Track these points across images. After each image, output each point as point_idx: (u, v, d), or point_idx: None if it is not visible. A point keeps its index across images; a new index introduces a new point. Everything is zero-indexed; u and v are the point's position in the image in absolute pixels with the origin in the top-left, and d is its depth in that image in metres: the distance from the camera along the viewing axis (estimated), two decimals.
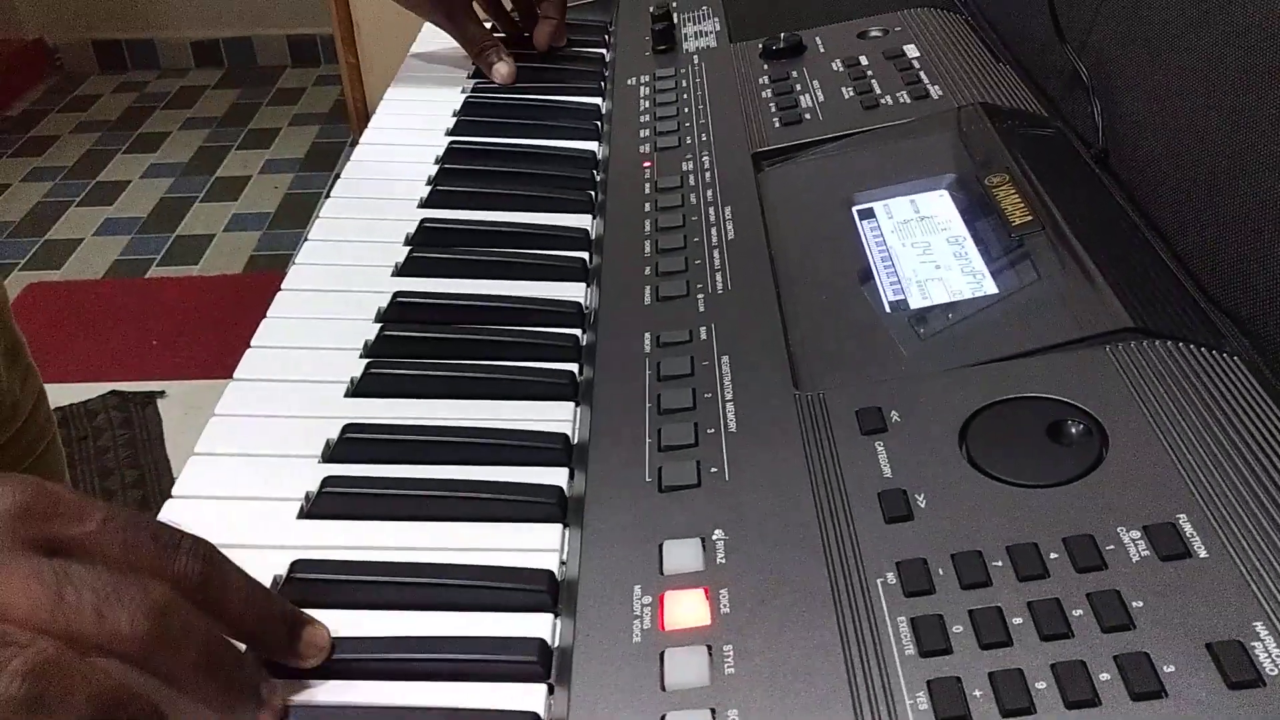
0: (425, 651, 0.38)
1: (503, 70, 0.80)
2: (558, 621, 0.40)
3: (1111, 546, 0.37)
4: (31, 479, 0.33)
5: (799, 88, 0.72)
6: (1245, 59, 0.51)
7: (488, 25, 0.86)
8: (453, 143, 0.73)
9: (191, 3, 3.03)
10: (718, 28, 0.84)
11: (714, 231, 0.59)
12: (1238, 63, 0.52)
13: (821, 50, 0.76)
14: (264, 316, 0.57)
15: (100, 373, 1.89)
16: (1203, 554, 0.36)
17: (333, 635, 0.38)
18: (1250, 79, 0.51)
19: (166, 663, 0.31)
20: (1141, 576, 0.36)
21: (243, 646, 0.36)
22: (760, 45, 0.77)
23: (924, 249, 0.54)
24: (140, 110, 2.88)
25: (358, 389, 0.51)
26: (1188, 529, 0.37)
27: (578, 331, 0.55)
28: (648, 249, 0.59)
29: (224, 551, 0.37)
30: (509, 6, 0.87)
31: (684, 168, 0.66)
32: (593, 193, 0.68)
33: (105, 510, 0.33)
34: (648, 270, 0.57)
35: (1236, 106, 0.51)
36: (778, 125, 0.68)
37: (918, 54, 0.73)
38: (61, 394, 1.78)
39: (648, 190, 0.65)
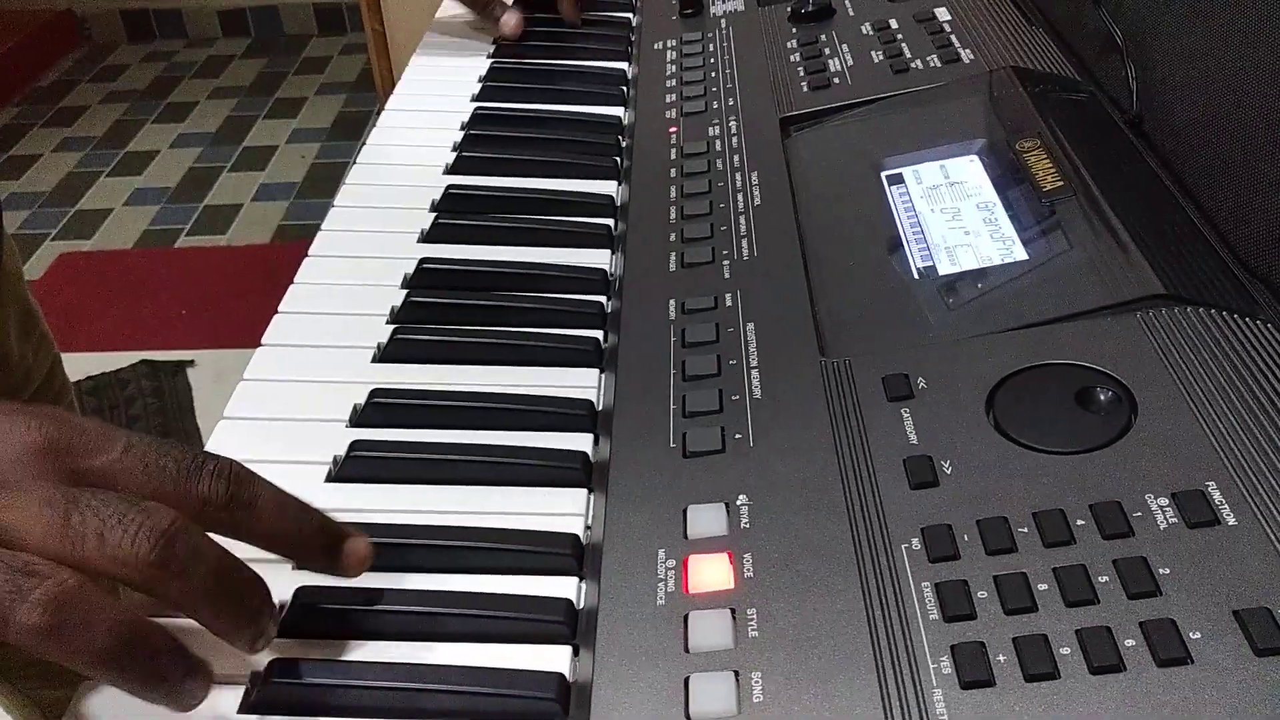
0: (452, 608, 0.38)
1: (510, 21, 0.79)
2: (583, 585, 0.40)
3: (1139, 513, 0.36)
4: (56, 410, 0.33)
5: (827, 51, 0.71)
6: None
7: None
8: (478, 109, 0.73)
9: None
10: None
11: (740, 197, 0.59)
12: (1276, 23, 0.51)
13: (851, 13, 0.75)
14: (291, 284, 0.57)
15: (131, 342, 1.92)
16: (1231, 521, 0.36)
17: (361, 594, 0.39)
18: None
19: (172, 586, 0.31)
20: (1169, 543, 0.35)
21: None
22: (789, 9, 0.76)
23: (953, 215, 0.54)
24: (168, 80, 2.89)
25: (385, 354, 0.51)
26: (1216, 496, 0.36)
27: (603, 298, 0.55)
28: (673, 215, 0.59)
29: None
30: None
31: (710, 133, 0.65)
32: (618, 159, 0.67)
33: (127, 438, 0.33)
34: (673, 236, 0.57)
35: (1274, 69, 0.50)
36: (806, 90, 0.68)
37: (949, 17, 0.71)
38: (92, 363, 1.80)
39: (673, 156, 0.64)
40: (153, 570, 0.31)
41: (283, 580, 0.39)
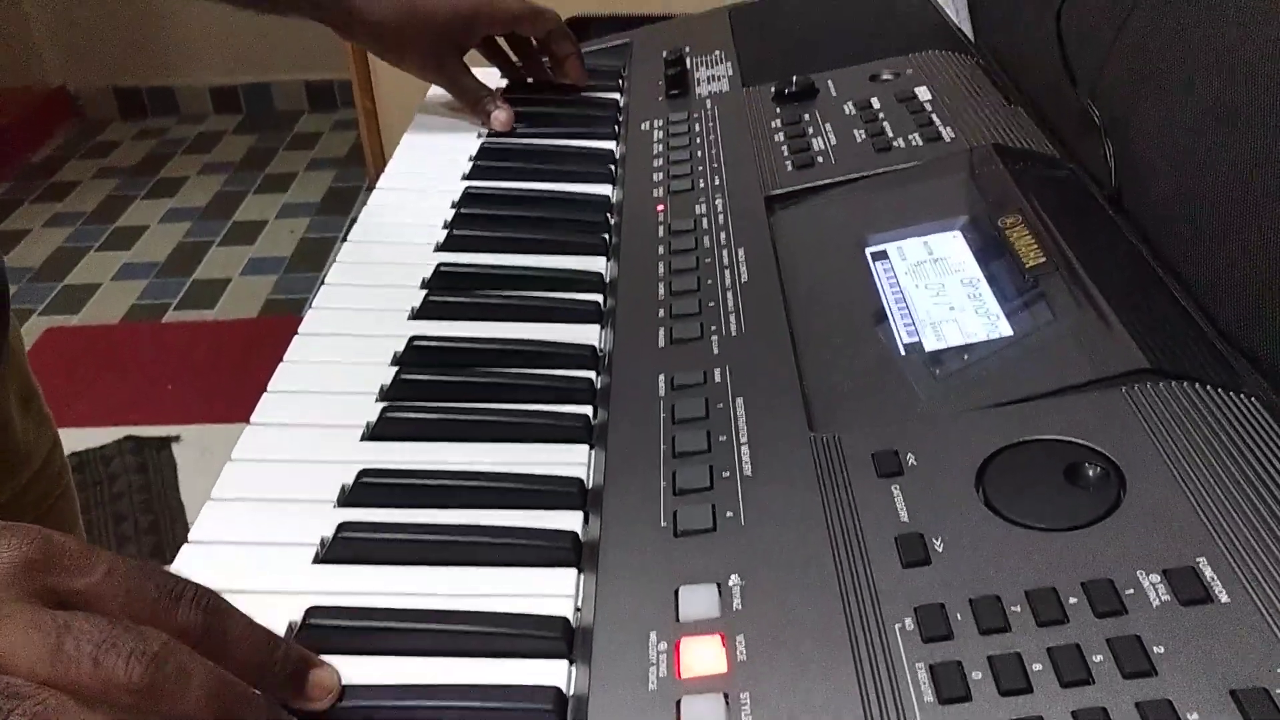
0: (438, 700, 0.37)
1: (501, 117, 0.81)
2: (573, 668, 0.39)
3: (1131, 591, 0.36)
4: (37, 530, 0.34)
5: (811, 130, 0.72)
6: (1256, 100, 0.51)
7: (486, 73, 0.87)
8: (468, 188, 0.74)
9: (210, 50, 3.08)
10: (730, 72, 0.84)
11: (727, 274, 0.59)
12: (1249, 104, 0.52)
13: (833, 93, 0.77)
14: (280, 360, 0.57)
15: (116, 416, 1.90)
16: (1224, 598, 0.35)
17: (347, 682, 0.38)
18: (1261, 119, 0.51)
19: (167, 707, 0.32)
20: (1162, 621, 0.35)
21: None
22: (772, 89, 0.78)
23: (938, 290, 0.54)
24: (160, 156, 2.92)
25: (374, 433, 0.51)
26: (1208, 573, 0.36)
27: (592, 374, 0.55)
28: (662, 291, 0.59)
29: (238, 597, 0.37)
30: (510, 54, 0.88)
31: (697, 210, 0.66)
32: (607, 236, 0.68)
33: (110, 561, 0.34)
34: (662, 313, 0.57)
35: (1248, 147, 0.51)
36: (790, 168, 0.69)
37: (929, 96, 0.73)
38: (77, 438, 1.79)
39: (661, 233, 0.65)
40: (146, 691, 0.31)
41: None
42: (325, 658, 0.39)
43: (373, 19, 0.77)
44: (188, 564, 0.44)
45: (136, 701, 0.31)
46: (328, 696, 0.37)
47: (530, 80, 0.88)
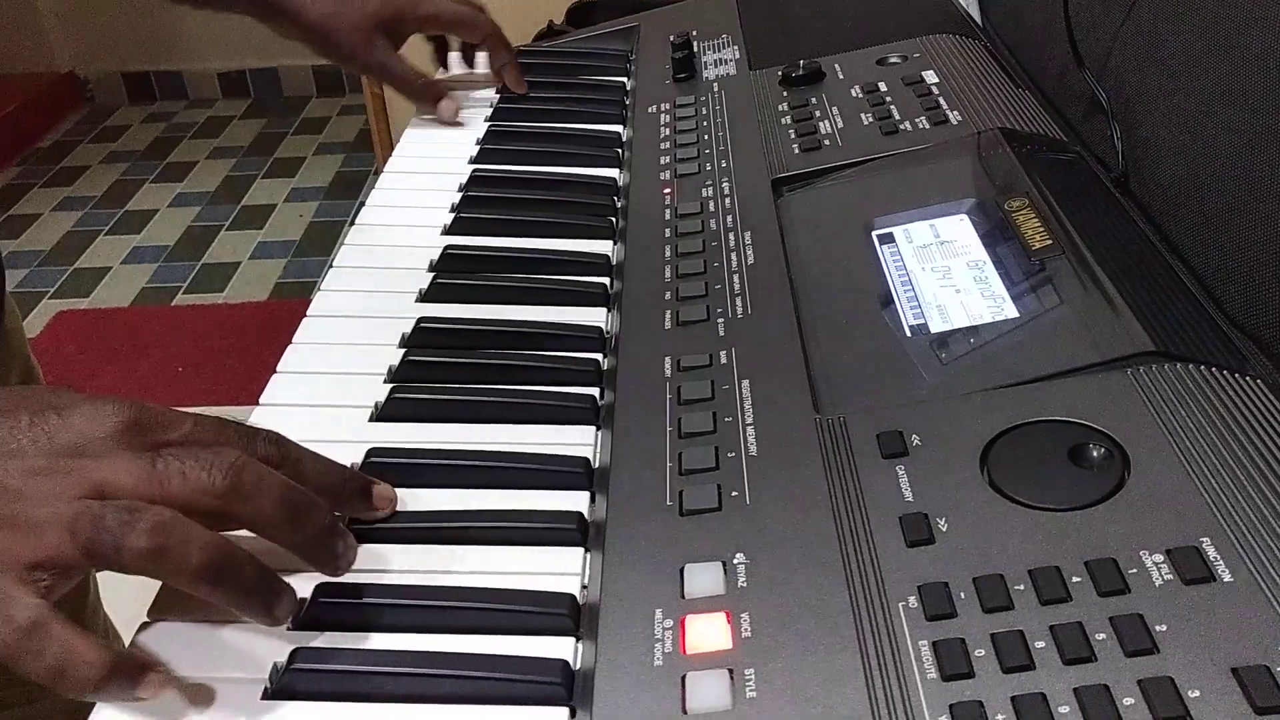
0: (448, 669, 0.38)
1: (448, 107, 0.81)
2: (579, 645, 0.40)
3: (1134, 570, 0.37)
4: (131, 400, 0.40)
5: (818, 114, 0.72)
6: (1263, 82, 0.51)
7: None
8: (475, 170, 0.74)
9: (219, 35, 3.08)
10: (737, 56, 0.84)
11: (734, 257, 0.60)
12: (1256, 86, 0.52)
13: (840, 77, 0.76)
14: (289, 343, 0.57)
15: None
16: (1227, 578, 0.36)
17: (359, 655, 0.39)
18: (1268, 102, 0.51)
19: (248, 509, 0.38)
20: (1165, 600, 0.35)
21: None
22: (779, 72, 0.78)
23: (944, 273, 0.54)
24: (168, 140, 2.92)
25: (382, 413, 0.52)
26: (1211, 552, 0.37)
27: (599, 356, 0.56)
28: (668, 274, 0.59)
29: None
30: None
31: (704, 194, 0.66)
32: (614, 219, 0.68)
33: (194, 418, 0.40)
34: (668, 295, 0.58)
35: (1255, 129, 0.51)
36: (797, 151, 0.69)
37: (937, 80, 0.73)
38: None
39: (668, 216, 0.65)
40: (228, 496, 0.38)
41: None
42: (336, 635, 0.40)
43: (301, 11, 0.77)
44: None
45: (223, 504, 0.37)
46: (390, 506, 0.45)
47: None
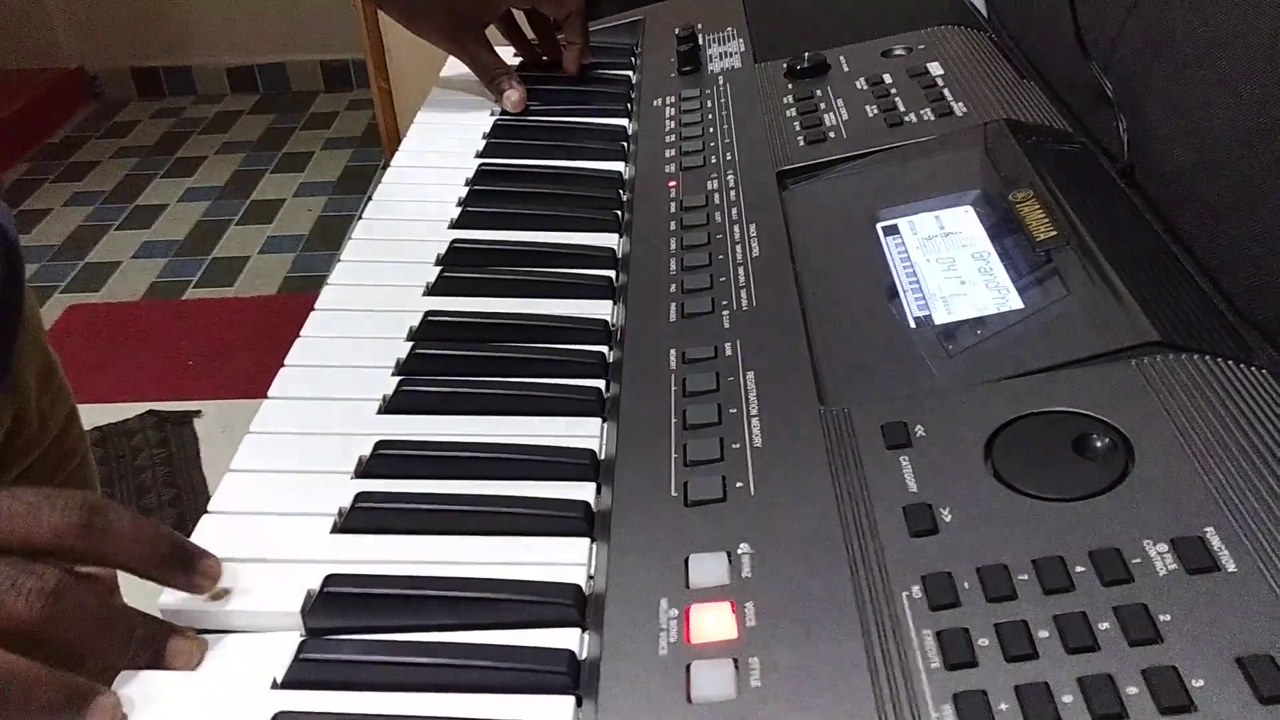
0: (454, 659, 0.38)
1: (513, 97, 0.81)
2: (585, 635, 0.40)
3: (1138, 560, 0.37)
4: None
5: (823, 106, 0.72)
6: (1270, 72, 0.51)
7: (508, 50, 0.87)
8: (482, 164, 0.74)
9: (227, 30, 3.09)
10: (742, 48, 0.84)
11: (739, 249, 0.60)
12: (1262, 76, 0.52)
13: (845, 69, 0.76)
14: (298, 336, 0.58)
15: (138, 392, 1.93)
16: (1231, 568, 0.36)
17: (364, 645, 0.39)
18: (1273, 92, 0.51)
19: (64, 634, 0.37)
20: (1169, 590, 0.35)
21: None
22: (784, 65, 0.78)
23: (949, 265, 0.55)
24: (177, 135, 2.93)
25: (390, 406, 0.52)
26: (1215, 542, 0.37)
27: (605, 348, 0.56)
28: (673, 267, 0.60)
29: (258, 566, 0.40)
30: (528, 33, 0.88)
31: (709, 186, 0.67)
32: (619, 212, 0.69)
33: (5, 495, 0.37)
34: (673, 288, 0.58)
35: (1262, 120, 0.51)
36: (802, 144, 0.69)
37: (942, 71, 0.73)
38: (100, 414, 1.81)
39: (673, 209, 0.65)
40: (46, 623, 0.36)
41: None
42: (342, 627, 0.40)
43: None
44: (208, 534, 0.45)
45: (37, 631, 0.36)
46: (213, 582, 0.41)
47: (545, 59, 0.88)
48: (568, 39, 0.85)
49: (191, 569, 0.40)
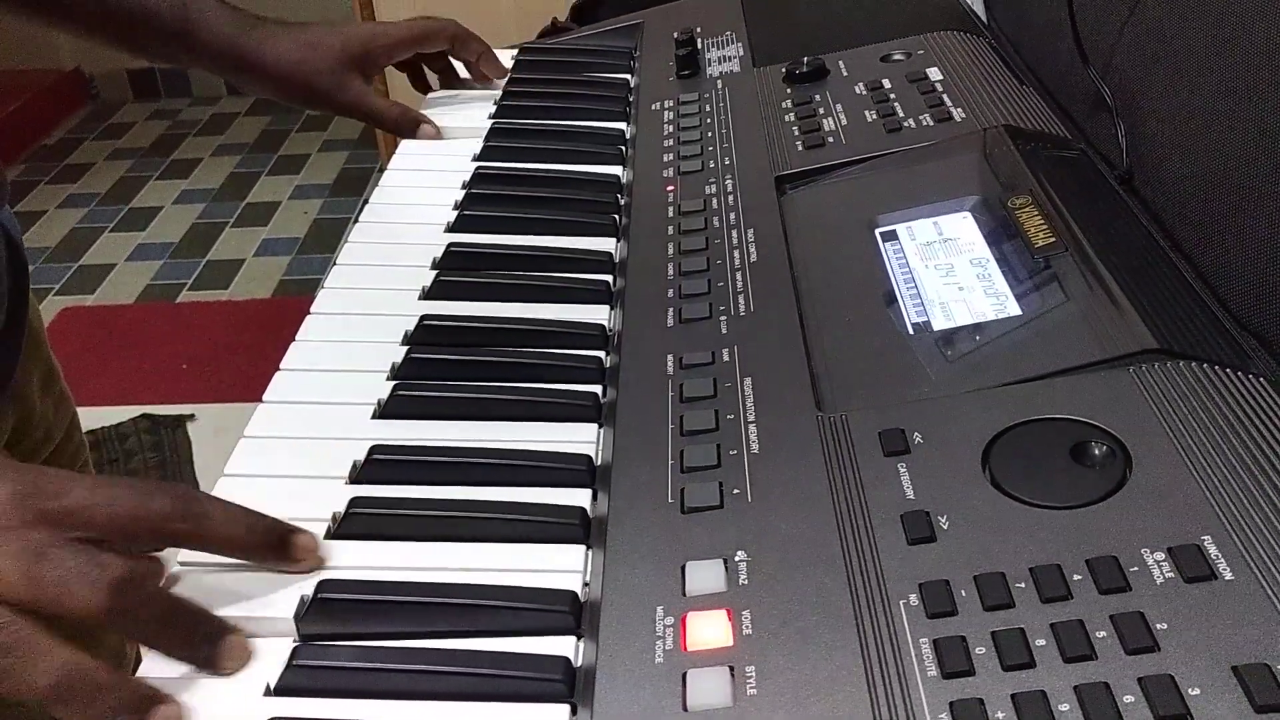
0: (450, 667, 0.38)
1: (429, 130, 0.80)
2: (580, 642, 0.40)
3: (1135, 568, 0.37)
4: (25, 466, 0.38)
5: (821, 111, 0.72)
6: (1269, 79, 0.51)
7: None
8: (479, 168, 0.74)
9: None
10: (741, 53, 0.84)
11: (737, 254, 0.60)
12: (1262, 83, 0.52)
13: (844, 74, 0.76)
14: (293, 340, 0.57)
15: (132, 396, 1.92)
16: (1228, 576, 0.36)
17: (360, 651, 0.39)
18: (1273, 99, 0.51)
19: (130, 626, 0.37)
20: (1166, 598, 0.35)
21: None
22: (783, 70, 0.78)
23: (947, 271, 0.54)
24: (173, 137, 2.93)
25: (385, 411, 0.52)
26: (1213, 551, 0.37)
27: (601, 353, 0.56)
28: (671, 272, 0.59)
29: (252, 572, 0.40)
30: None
31: (707, 191, 0.66)
32: (617, 216, 0.68)
33: (86, 481, 0.38)
34: (671, 293, 0.58)
35: (1261, 127, 0.51)
36: (800, 149, 0.69)
37: (941, 77, 0.73)
38: (93, 417, 1.80)
39: (671, 214, 0.65)
40: (106, 614, 0.36)
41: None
42: (335, 634, 0.40)
43: (268, 63, 0.75)
44: None
45: (97, 620, 0.36)
46: (311, 557, 0.42)
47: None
48: (471, 56, 0.84)
49: (287, 546, 0.41)
